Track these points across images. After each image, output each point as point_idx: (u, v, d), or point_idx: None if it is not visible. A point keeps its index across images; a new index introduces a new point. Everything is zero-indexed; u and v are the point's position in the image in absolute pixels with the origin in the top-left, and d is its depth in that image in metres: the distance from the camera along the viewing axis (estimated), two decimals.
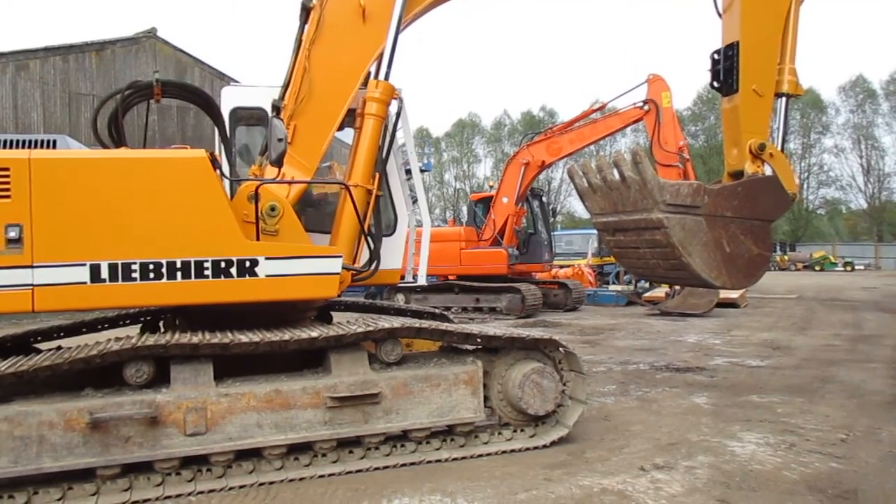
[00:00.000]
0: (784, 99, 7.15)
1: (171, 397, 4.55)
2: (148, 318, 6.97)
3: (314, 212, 5.57)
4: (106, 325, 6.73)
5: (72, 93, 22.23)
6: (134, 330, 6.39)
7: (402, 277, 6.50)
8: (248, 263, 5.00)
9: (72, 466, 4.31)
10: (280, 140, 5.06)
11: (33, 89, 21.38)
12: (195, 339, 4.66)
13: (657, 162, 17.63)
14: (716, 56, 7.11)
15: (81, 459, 4.32)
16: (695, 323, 15.26)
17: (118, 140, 5.43)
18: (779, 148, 7.04)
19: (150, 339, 4.65)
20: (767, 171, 6.88)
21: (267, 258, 5.06)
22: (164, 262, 4.79)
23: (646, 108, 17.28)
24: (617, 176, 6.63)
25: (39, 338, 6.22)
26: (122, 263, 4.71)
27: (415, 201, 7.27)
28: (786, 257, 54.13)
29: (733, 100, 6.96)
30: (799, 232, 68.18)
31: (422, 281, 6.64)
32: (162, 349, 4.58)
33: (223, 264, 4.94)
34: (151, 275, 4.77)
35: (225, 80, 24.14)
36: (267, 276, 5.05)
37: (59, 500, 4.29)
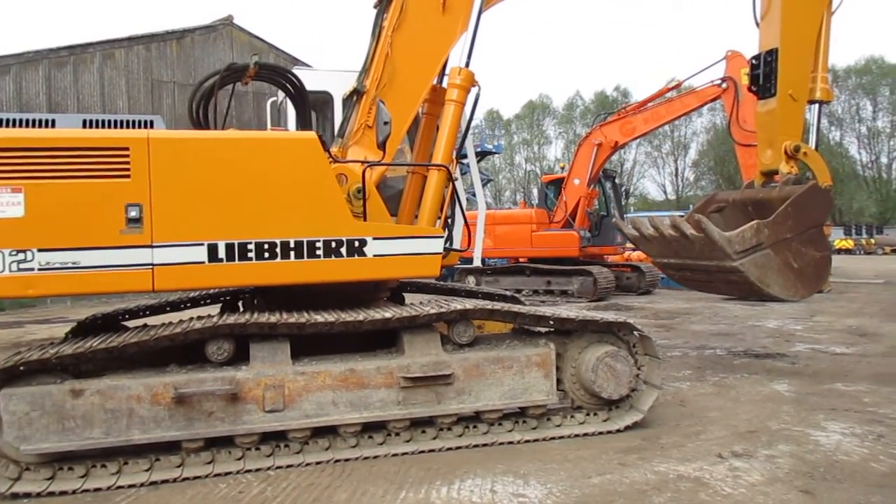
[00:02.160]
0: (817, 105, 7.74)
1: (250, 374, 4.68)
2: (227, 297, 7.19)
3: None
4: (188, 305, 6.97)
5: (154, 80, 23.02)
6: (214, 309, 6.61)
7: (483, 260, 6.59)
8: (356, 243, 5.12)
9: (158, 439, 4.50)
10: (386, 123, 5.15)
11: (119, 77, 22.23)
12: (273, 319, 4.78)
13: (736, 142, 17.05)
14: (754, 61, 7.70)
15: (167, 432, 4.51)
16: (774, 308, 14.73)
17: (208, 122, 5.59)
18: (813, 148, 7.60)
19: (231, 318, 4.80)
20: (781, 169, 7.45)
21: (374, 238, 5.16)
22: (278, 241, 4.92)
23: (724, 85, 16.68)
24: (674, 232, 7.04)
25: (127, 316, 6.49)
26: (239, 243, 4.84)
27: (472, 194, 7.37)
28: (872, 241, 51.58)
29: (769, 103, 7.56)
30: (887, 214, 64.94)
31: (477, 262, 6.73)
32: (241, 328, 4.72)
33: (334, 244, 5.06)
34: (266, 254, 4.90)
35: (298, 65, 24.52)
36: (374, 255, 5.16)
37: (146, 470, 4.50)
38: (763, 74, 7.52)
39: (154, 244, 4.66)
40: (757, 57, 7.66)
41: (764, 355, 8.99)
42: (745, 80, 17.10)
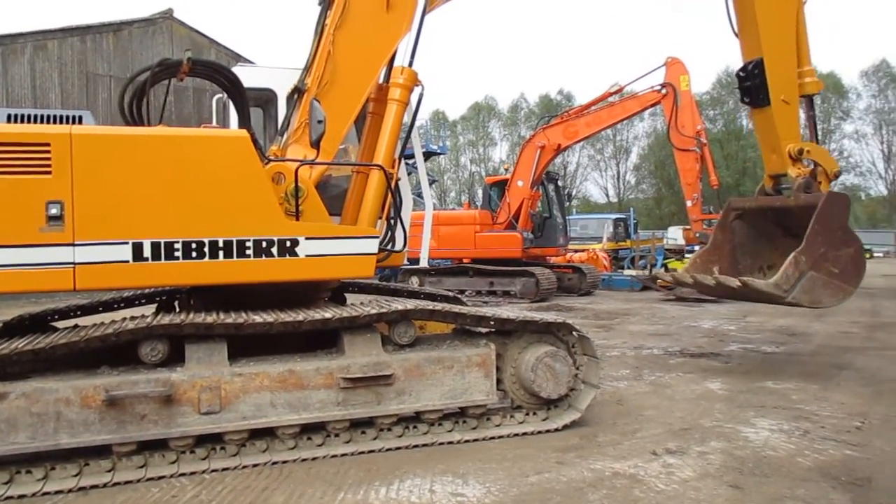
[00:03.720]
0: (809, 98, 8.07)
1: (185, 376, 4.58)
2: (163, 297, 7.02)
3: (321, 194, 5.59)
4: (122, 305, 6.78)
5: (89, 73, 22.31)
6: (149, 309, 6.45)
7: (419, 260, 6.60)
8: (288, 243, 5.06)
9: (88, 443, 4.36)
10: (320, 122, 5.10)
11: (51, 70, 21.47)
12: (209, 319, 4.69)
13: (674, 146, 17.49)
14: (742, 73, 7.92)
15: (97, 436, 4.37)
16: (710, 308, 15.18)
17: (141, 118, 5.44)
18: (814, 141, 8.04)
19: (165, 319, 4.68)
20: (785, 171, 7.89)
21: (307, 238, 5.10)
22: (206, 241, 4.83)
23: (664, 91, 17.12)
24: (717, 284, 7.59)
25: (57, 316, 6.28)
26: (165, 242, 4.74)
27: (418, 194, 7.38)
28: None
29: (765, 111, 7.79)
30: None
31: (423, 263, 6.72)
32: (177, 328, 4.61)
33: (265, 244, 4.99)
34: (194, 254, 4.80)
35: (240, 61, 24.10)
36: (307, 255, 5.11)
37: (75, 475, 4.35)
38: (754, 86, 7.78)
39: (76, 242, 4.53)
40: (744, 69, 7.90)
41: (699, 355, 9.24)
42: (683, 87, 17.67)
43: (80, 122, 5.18)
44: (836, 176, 7.97)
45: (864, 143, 66.48)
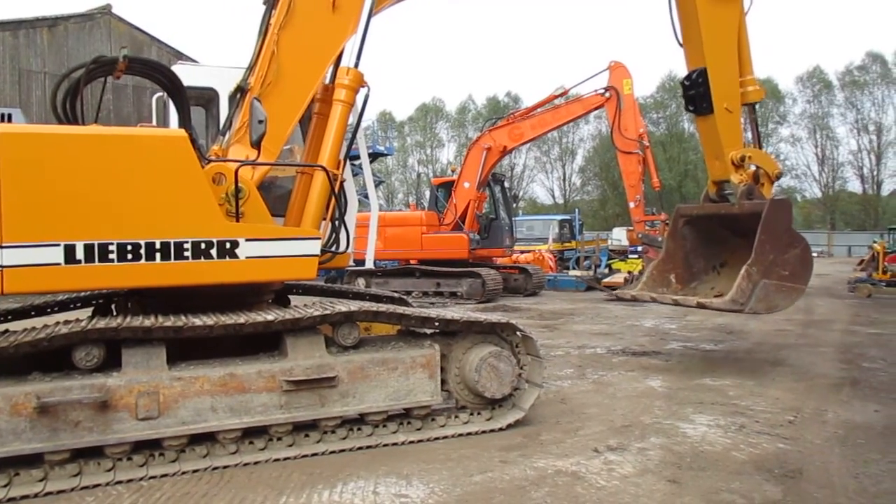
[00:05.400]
0: (751, 106, 8.35)
1: (122, 381, 4.47)
2: (100, 301, 6.84)
3: (265, 195, 5.52)
4: (56, 309, 6.57)
5: (21, 69, 21.57)
6: (85, 313, 6.27)
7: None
8: (228, 245, 4.97)
9: (18, 452, 4.21)
10: (261, 122, 5.02)
11: None
12: (147, 323, 4.58)
13: (617, 149, 17.80)
14: (686, 82, 8.14)
15: (28, 445, 4.23)
16: (652, 308, 15.45)
17: (74, 117, 5.28)
18: (756, 145, 8.33)
19: (101, 323, 4.55)
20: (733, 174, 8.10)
21: (247, 240, 5.02)
22: (142, 242, 4.71)
23: (607, 94, 17.40)
24: (675, 304, 8.10)
25: None
26: (99, 244, 4.60)
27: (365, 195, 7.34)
28: None
29: (709, 119, 8.00)
30: None
31: (369, 264, 6.71)
32: (113, 332, 4.49)
33: (203, 245, 4.89)
34: (129, 256, 4.68)
35: (182, 59, 23.63)
36: (247, 257, 5.03)
37: (4, 486, 4.20)
38: (697, 95, 8.00)
39: (3, 245, 4.37)
40: (688, 77, 8.10)
41: (640, 353, 9.42)
42: (626, 90, 18.01)
43: (10, 120, 5.02)
44: (778, 177, 8.29)
45: (799, 147, 68.65)
